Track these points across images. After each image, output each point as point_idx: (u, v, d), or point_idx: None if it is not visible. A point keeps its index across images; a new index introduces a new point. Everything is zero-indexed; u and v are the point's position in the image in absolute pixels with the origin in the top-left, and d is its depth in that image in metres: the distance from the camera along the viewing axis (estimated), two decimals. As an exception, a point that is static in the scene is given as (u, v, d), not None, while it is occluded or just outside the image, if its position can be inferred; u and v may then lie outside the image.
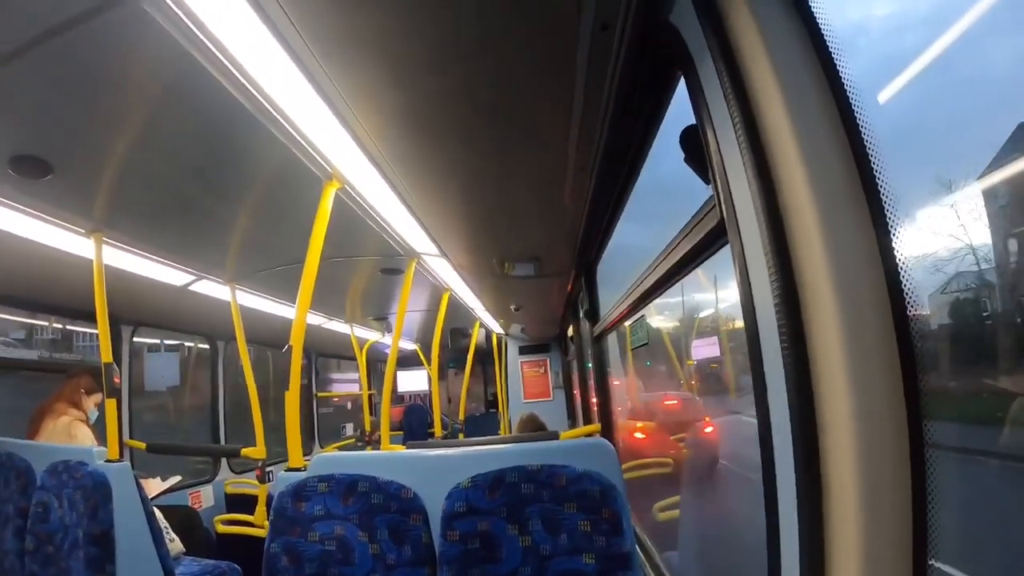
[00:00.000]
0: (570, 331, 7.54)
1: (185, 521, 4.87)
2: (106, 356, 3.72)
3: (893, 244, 1.11)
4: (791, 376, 1.18)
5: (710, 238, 1.75)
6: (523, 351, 10.20)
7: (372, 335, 8.86)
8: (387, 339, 9.03)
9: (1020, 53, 1.12)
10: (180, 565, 4.08)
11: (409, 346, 10.77)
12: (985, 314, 1.41)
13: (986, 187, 1.22)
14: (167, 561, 3.55)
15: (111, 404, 3.69)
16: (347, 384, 12.07)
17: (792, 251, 1.17)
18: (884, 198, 1.13)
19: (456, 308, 6.66)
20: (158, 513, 3.73)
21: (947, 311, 1.37)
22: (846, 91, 1.19)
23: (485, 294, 6.14)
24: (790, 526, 1.22)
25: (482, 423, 10.91)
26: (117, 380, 3.79)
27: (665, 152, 2.41)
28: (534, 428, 5.27)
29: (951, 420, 1.20)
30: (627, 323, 3.87)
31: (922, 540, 1.08)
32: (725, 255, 1.80)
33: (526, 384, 10.09)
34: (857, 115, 1.17)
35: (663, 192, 2.92)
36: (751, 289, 1.34)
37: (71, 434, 4.08)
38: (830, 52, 1.21)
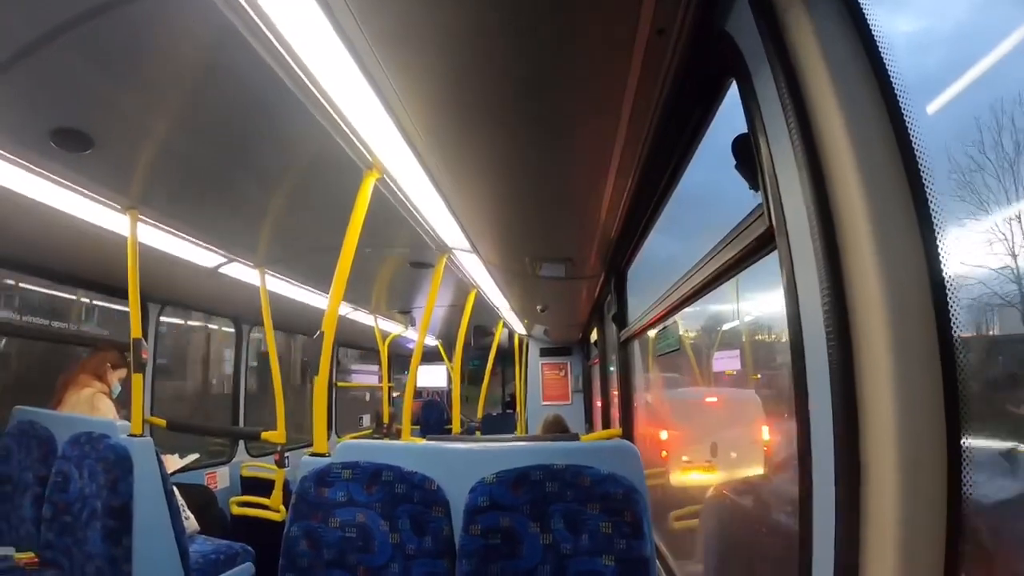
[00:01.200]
0: (593, 335, 7.52)
1: (201, 500, 4.92)
2: (136, 332, 3.75)
3: (941, 258, 1.11)
4: (836, 385, 1.17)
5: (755, 245, 1.74)
6: (544, 353, 10.20)
7: (395, 328, 8.87)
8: (409, 333, 9.05)
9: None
10: (194, 543, 4.11)
11: (431, 342, 10.79)
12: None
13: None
14: (182, 538, 3.57)
15: (137, 379, 3.73)
16: (365, 376, 12.12)
17: (842, 261, 1.17)
18: (934, 212, 1.13)
19: (481, 306, 6.66)
20: (175, 490, 3.75)
21: (995, 328, 1.34)
22: (899, 103, 1.19)
23: (512, 293, 6.14)
24: (825, 542, 1.20)
25: (499, 422, 10.91)
26: (145, 355, 3.80)
27: (705, 161, 2.40)
28: (558, 430, 5.26)
29: (992, 438, 1.18)
30: (653, 331, 3.84)
31: (954, 560, 1.07)
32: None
33: (545, 386, 10.08)
34: (910, 127, 1.17)
35: (697, 201, 2.91)
36: (798, 296, 1.35)
37: (94, 406, 4.12)
38: (885, 63, 1.21)
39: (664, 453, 5.40)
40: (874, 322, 1.10)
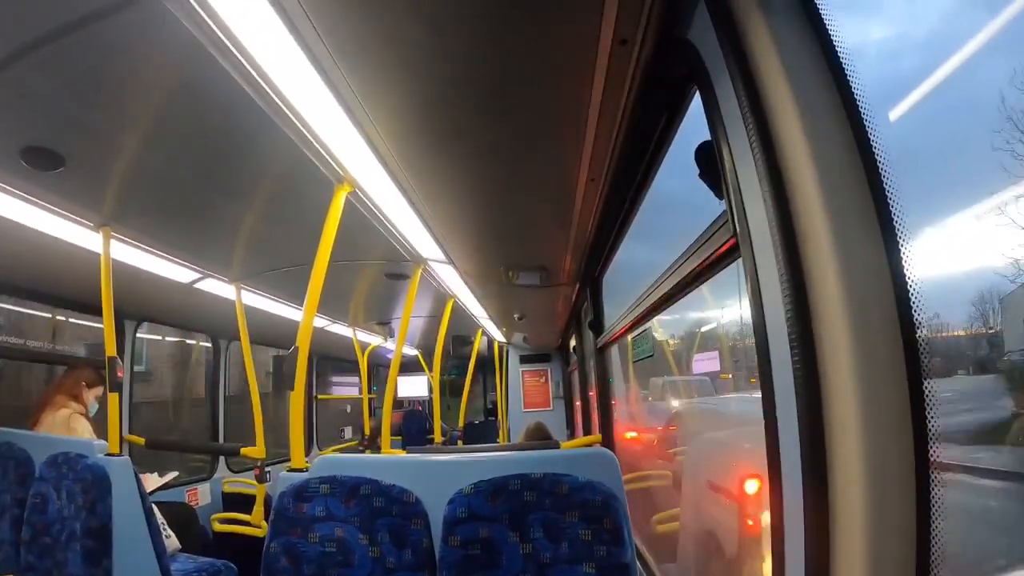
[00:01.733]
0: (572, 342, 7.55)
1: (182, 518, 4.86)
2: (110, 350, 3.73)
3: (904, 263, 1.13)
4: (801, 392, 1.18)
5: (722, 253, 1.76)
6: (524, 360, 10.21)
7: (374, 339, 8.85)
8: (389, 344, 9.03)
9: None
10: (176, 562, 4.07)
11: (410, 352, 10.76)
12: (994, 336, 1.42)
13: (995, 204, 1.23)
14: (163, 558, 3.54)
15: (113, 398, 3.70)
16: (346, 387, 12.06)
17: (805, 268, 1.19)
18: (895, 217, 1.15)
19: (459, 315, 6.66)
20: (155, 509, 3.73)
21: (957, 331, 1.37)
22: (860, 109, 1.20)
23: (489, 302, 6.15)
24: (796, 541, 1.23)
25: (481, 430, 10.89)
26: (120, 374, 3.78)
27: (674, 168, 2.42)
28: (540, 437, 5.26)
29: (957, 441, 1.20)
30: (630, 336, 3.87)
31: (925, 553, 1.09)
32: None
33: (526, 393, 10.09)
34: (870, 133, 1.19)
35: (668, 208, 2.94)
36: (763, 304, 1.35)
37: (70, 427, 4.09)
38: (845, 70, 1.22)
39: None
40: (837, 328, 1.12)
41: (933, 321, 1.16)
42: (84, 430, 4.13)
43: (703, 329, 3.93)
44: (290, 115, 2.23)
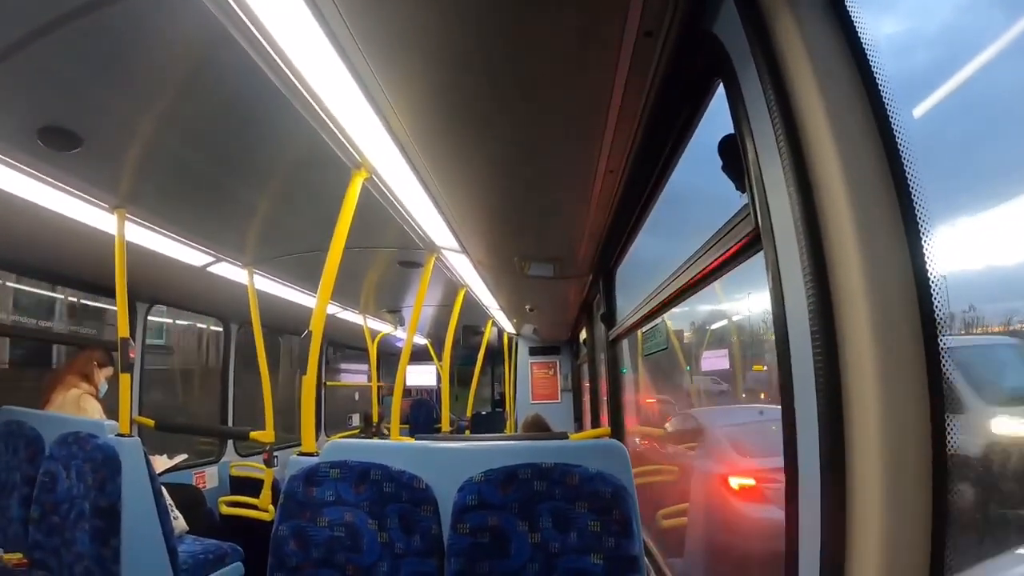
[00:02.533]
0: (583, 335, 7.54)
1: (189, 500, 4.89)
2: (123, 331, 3.74)
3: (927, 258, 1.12)
4: (822, 385, 1.18)
5: (742, 246, 1.74)
6: (534, 352, 10.22)
7: (384, 327, 8.87)
8: (398, 332, 9.05)
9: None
10: (183, 543, 4.10)
11: (420, 341, 10.78)
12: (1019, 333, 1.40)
13: (1020, 200, 1.21)
14: (171, 539, 3.57)
15: (125, 379, 3.71)
16: (355, 375, 12.10)
17: (828, 261, 1.18)
18: (919, 213, 1.14)
19: (471, 305, 6.67)
20: (164, 491, 3.74)
21: (981, 327, 1.36)
22: (885, 104, 1.19)
23: (501, 292, 6.15)
24: (812, 537, 1.22)
25: (488, 421, 10.92)
26: (132, 355, 3.79)
27: (693, 161, 2.40)
28: (538, 428, 5.25)
29: (976, 435, 1.19)
30: (642, 329, 3.85)
31: (940, 556, 1.08)
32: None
33: (535, 385, 10.10)
34: (895, 128, 1.18)
35: (685, 201, 2.92)
36: (783, 297, 1.35)
37: (80, 407, 4.11)
38: (871, 65, 1.22)
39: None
40: (859, 322, 1.11)
41: (956, 321, 1.15)
42: (94, 410, 4.15)
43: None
44: (309, 98, 2.22)
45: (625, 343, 5.00)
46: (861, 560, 1.11)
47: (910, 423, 1.08)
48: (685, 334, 4.50)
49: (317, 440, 2.89)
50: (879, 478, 1.08)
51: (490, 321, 8.41)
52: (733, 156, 1.65)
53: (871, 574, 1.09)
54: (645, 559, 2.31)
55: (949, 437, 1.08)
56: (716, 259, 1.99)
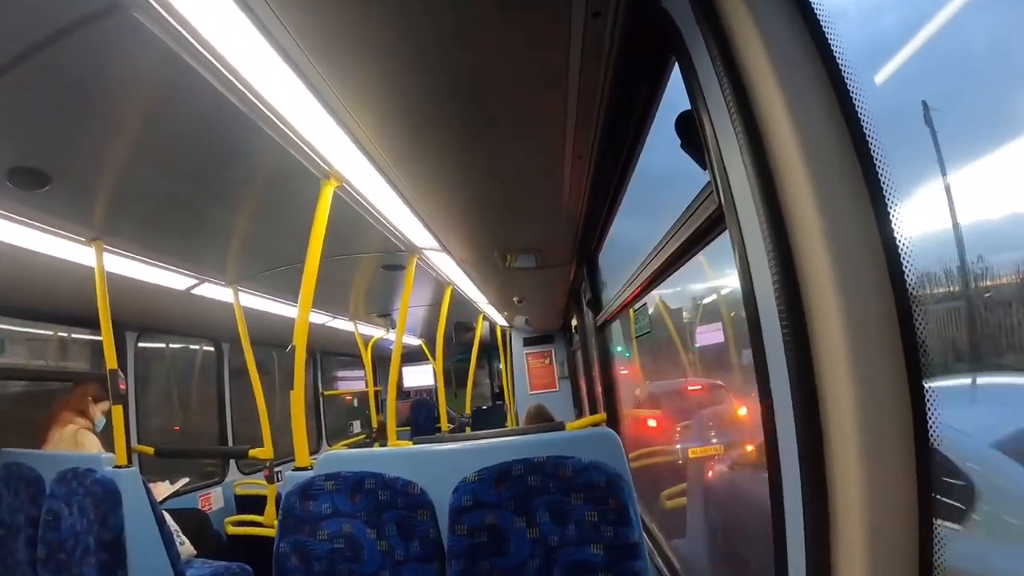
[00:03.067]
0: (574, 321, 7.55)
1: (195, 523, 4.89)
2: (111, 363, 3.73)
3: (893, 227, 1.10)
4: (792, 363, 1.17)
5: (708, 224, 1.75)
6: (528, 343, 10.20)
7: (376, 332, 8.86)
8: (392, 335, 9.04)
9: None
10: (191, 567, 4.10)
11: (414, 341, 10.77)
12: (988, 295, 1.40)
13: (987, 162, 1.21)
14: (178, 564, 3.57)
15: (117, 410, 3.71)
16: (353, 382, 12.09)
17: (791, 236, 1.16)
18: (883, 180, 1.12)
19: (459, 302, 6.67)
20: (168, 517, 3.75)
21: (949, 293, 1.35)
22: (841, 71, 1.17)
23: (488, 287, 6.15)
24: (795, 514, 1.21)
25: (489, 416, 10.93)
26: (123, 386, 3.78)
27: (661, 140, 2.41)
28: (541, 419, 5.26)
29: (954, 404, 1.19)
30: (633, 308, 3.86)
31: (928, 527, 1.08)
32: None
33: (532, 375, 10.09)
34: (853, 95, 1.16)
35: (658, 181, 2.92)
36: (751, 275, 1.33)
37: (78, 442, 4.10)
38: (824, 32, 1.19)
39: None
40: (826, 296, 1.10)
41: (925, 286, 1.14)
42: (92, 444, 4.15)
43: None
44: (270, 115, 2.22)
45: (615, 327, 5.01)
46: (845, 536, 1.11)
47: (886, 399, 1.07)
48: (684, 314, 4.49)
49: (319, 451, 2.89)
50: (857, 456, 1.07)
51: (481, 316, 8.41)
52: (692, 133, 1.63)
53: (857, 535, 1.09)
54: (647, 543, 2.32)
55: (928, 404, 1.07)
56: (687, 238, 1.99)
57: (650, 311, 3.77)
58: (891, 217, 1.11)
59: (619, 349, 5.41)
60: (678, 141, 1.77)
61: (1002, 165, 1.18)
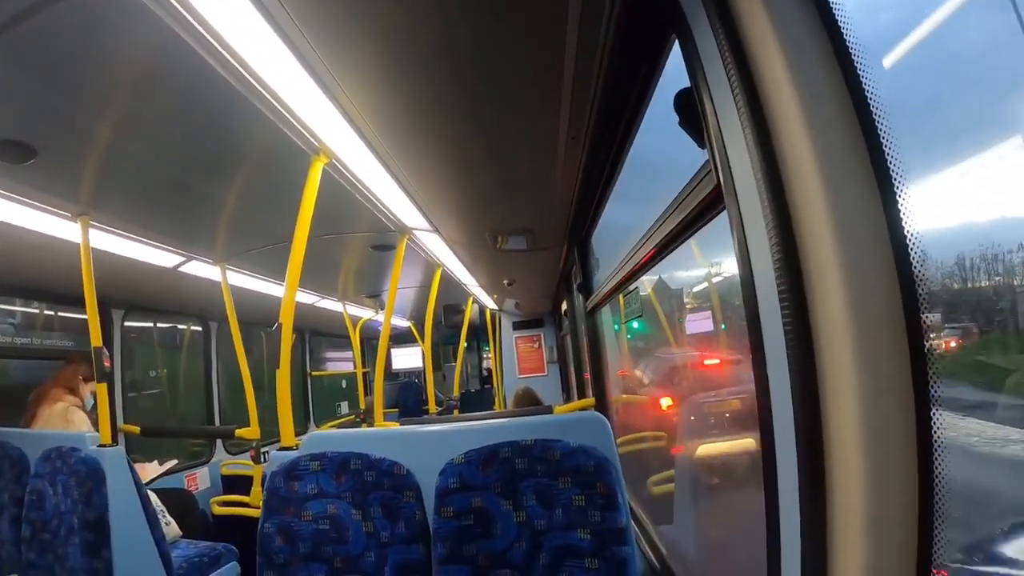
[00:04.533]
0: (564, 306, 7.54)
1: (181, 504, 4.88)
2: (95, 340, 3.70)
3: (900, 209, 1.07)
4: (792, 348, 1.14)
5: (706, 205, 1.71)
6: (517, 326, 10.21)
7: (366, 313, 8.85)
8: (381, 316, 9.03)
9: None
10: (177, 548, 4.10)
11: (403, 323, 10.77)
12: (998, 278, 1.38)
13: (996, 154, 1.18)
14: (163, 544, 3.56)
15: (102, 388, 3.69)
16: (342, 363, 12.08)
17: (793, 217, 1.13)
18: (892, 165, 1.08)
19: (449, 284, 6.66)
20: (153, 496, 3.73)
21: (956, 276, 1.33)
22: (849, 49, 1.13)
23: (478, 269, 6.14)
24: (791, 505, 1.19)
25: (477, 399, 10.95)
26: (108, 364, 3.75)
27: (656, 121, 2.38)
28: (529, 403, 5.25)
29: (958, 391, 1.17)
30: (624, 293, 3.84)
31: (928, 528, 1.05)
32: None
33: (520, 359, 10.10)
34: (861, 74, 1.12)
35: (653, 164, 2.89)
36: (750, 257, 1.30)
37: (67, 419, 4.10)
38: (832, 7, 1.16)
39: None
40: (829, 282, 1.07)
41: (931, 270, 1.10)
42: (81, 422, 4.14)
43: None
44: (261, 89, 2.18)
45: (606, 311, 4.99)
46: (842, 525, 1.09)
47: (889, 386, 1.04)
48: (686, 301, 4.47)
49: (306, 431, 2.88)
50: (858, 446, 1.04)
51: (471, 298, 8.41)
52: (691, 111, 1.60)
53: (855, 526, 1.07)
54: (634, 528, 2.31)
55: (933, 398, 1.04)
56: (683, 219, 1.96)
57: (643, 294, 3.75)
58: (899, 204, 1.07)
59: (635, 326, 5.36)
60: (673, 122, 1.74)
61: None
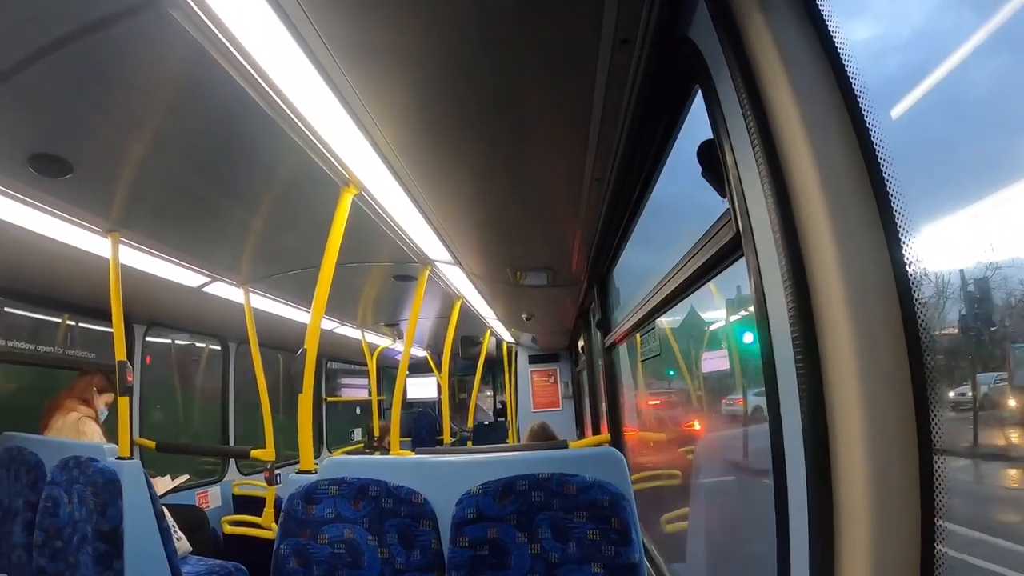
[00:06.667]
0: (580, 342, 7.53)
1: (192, 520, 4.89)
2: (120, 354, 3.75)
3: (906, 260, 1.12)
4: (804, 390, 1.17)
5: (725, 251, 1.75)
6: (533, 360, 10.18)
7: (383, 341, 8.87)
8: (398, 345, 9.05)
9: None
10: (186, 564, 4.10)
11: (419, 353, 10.77)
12: (998, 334, 1.40)
13: (998, 203, 1.21)
14: (174, 560, 3.57)
15: (123, 402, 3.72)
16: (356, 389, 12.08)
17: (807, 266, 1.18)
18: (897, 214, 1.14)
19: (468, 316, 6.68)
20: (166, 512, 3.75)
21: (960, 329, 1.35)
22: (860, 106, 1.19)
23: (497, 302, 6.16)
24: (801, 541, 1.22)
25: (490, 431, 10.90)
26: (130, 378, 3.80)
27: (678, 167, 2.42)
28: (544, 437, 5.24)
29: (961, 439, 1.19)
30: (639, 333, 3.86)
31: (929, 557, 1.08)
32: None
33: (535, 393, 10.06)
34: (871, 130, 1.18)
35: (674, 208, 2.93)
36: (766, 302, 1.34)
37: (80, 430, 4.12)
38: (845, 67, 1.22)
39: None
40: (840, 326, 1.11)
41: (936, 321, 1.14)
42: (93, 433, 4.17)
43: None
44: (295, 119, 2.24)
45: (622, 349, 5.00)
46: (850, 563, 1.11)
47: (895, 430, 1.08)
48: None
49: (319, 456, 2.90)
50: (865, 485, 1.07)
51: (488, 331, 8.41)
52: (713, 161, 1.65)
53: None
54: (647, 565, 2.32)
55: (935, 437, 1.08)
56: (702, 264, 1.99)
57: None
58: (904, 252, 1.12)
59: (672, 373, 5.35)
60: (695, 169, 1.79)
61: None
